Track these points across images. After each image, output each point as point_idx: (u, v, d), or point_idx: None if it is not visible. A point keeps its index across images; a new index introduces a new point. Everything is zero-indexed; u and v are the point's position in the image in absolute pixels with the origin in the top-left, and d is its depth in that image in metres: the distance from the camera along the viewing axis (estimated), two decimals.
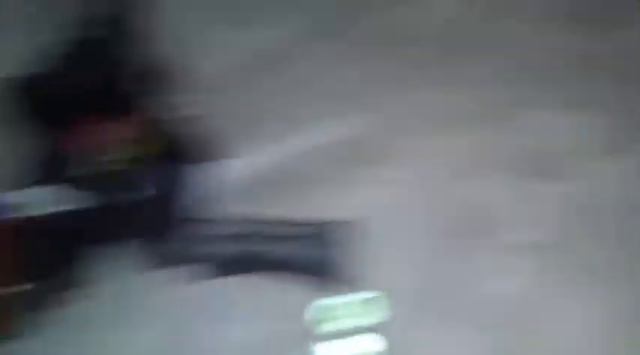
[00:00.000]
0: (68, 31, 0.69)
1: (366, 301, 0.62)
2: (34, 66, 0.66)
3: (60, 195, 0.61)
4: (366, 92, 0.80)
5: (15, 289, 0.40)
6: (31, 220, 0.59)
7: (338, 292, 0.62)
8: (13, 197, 0.60)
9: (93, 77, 0.65)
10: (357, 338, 0.62)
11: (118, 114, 0.64)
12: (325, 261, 0.61)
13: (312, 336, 0.63)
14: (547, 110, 0.79)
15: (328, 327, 0.62)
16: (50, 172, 0.63)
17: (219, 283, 0.65)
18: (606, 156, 0.76)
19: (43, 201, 0.61)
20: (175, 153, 0.65)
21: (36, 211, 0.60)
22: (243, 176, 0.69)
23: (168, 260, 0.63)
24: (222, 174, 0.67)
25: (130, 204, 0.62)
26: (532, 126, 0.78)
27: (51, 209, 0.60)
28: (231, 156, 0.72)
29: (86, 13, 0.70)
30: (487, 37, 0.85)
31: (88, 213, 0.61)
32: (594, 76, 0.82)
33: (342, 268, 0.62)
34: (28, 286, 0.41)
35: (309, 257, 0.60)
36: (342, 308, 0.62)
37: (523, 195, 0.73)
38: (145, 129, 0.64)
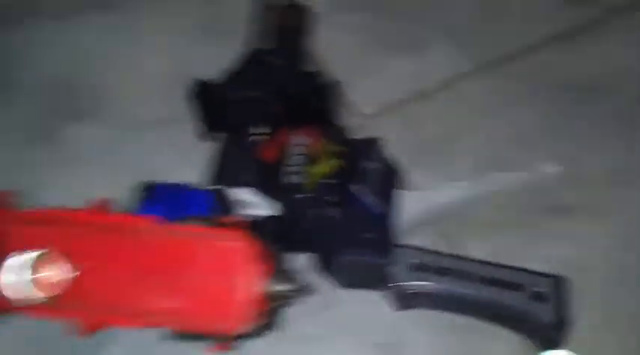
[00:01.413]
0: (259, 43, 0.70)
1: None
2: (223, 73, 0.67)
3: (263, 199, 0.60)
4: (551, 138, 0.73)
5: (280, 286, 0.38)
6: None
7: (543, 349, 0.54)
8: (235, 194, 0.59)
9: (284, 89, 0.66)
10: None
11: (311, 127, 0.63)
12: (548, 317, 0.56)
13: None
14: None
15: None
16: (252, 177, 0.62)
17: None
18: None
19: (253, 202, 0.60)
20: (359, 172, 0.62)
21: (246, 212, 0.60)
22: (424, 209, 0.64)
23: (363, 282, 0.60)
24: (406, 203, 0.63)
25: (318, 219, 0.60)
26: None
27: (257, 212, 0.60)
28: (410, 187, 0.67)
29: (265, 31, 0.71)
30: None
31: (280, 220, 0.60)
32: None
33: (557, 326, 0.56)
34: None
35: (530, 310, 0.55)
36: None
37: None
38: (332, 145, 0.62)
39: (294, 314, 0.60)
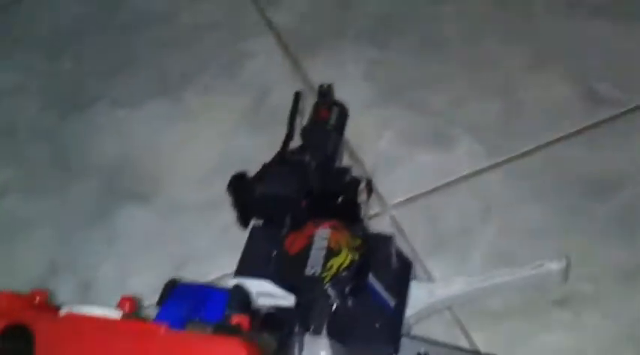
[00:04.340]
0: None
1: None
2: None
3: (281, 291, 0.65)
4: (560, 232, 0.76)
5: None
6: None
7: None
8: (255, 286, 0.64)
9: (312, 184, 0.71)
10: None
11: (336, 221, 0.68)
12: None
13: None
14: None
15: None
16: (274, 269, 0.66)
17: None
18: None
19: (272, 294, 0.65)
20: (374, 265, 0.66)
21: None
22: (433, 300, 0.67)
23: None
24: (416, 294, 0.67)
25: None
26: None
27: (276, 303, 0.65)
28: (423, 277, 0.73)
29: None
30: None
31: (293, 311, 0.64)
32: None
33: None
34: None
35: None
36: None
37: None
38: (354, 238, 0.66)
39: None
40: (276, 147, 0.75)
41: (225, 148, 0.88)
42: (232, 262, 0.69)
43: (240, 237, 0.72)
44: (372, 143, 0.86)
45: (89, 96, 0.97)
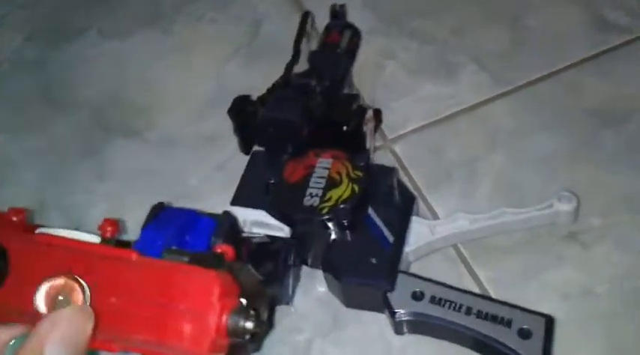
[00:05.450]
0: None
1: None
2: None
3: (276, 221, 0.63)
4: (570, 162, 0.72)
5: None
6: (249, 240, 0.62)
7: None
8: (249, 215, 0.63)
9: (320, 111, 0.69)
10: None
11: (339, 151, 0.66)
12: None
13: None
14: None
15: None
16: (271, 197, 0.65)
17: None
18: None
19: (266, 223, 0.64)
20: (375, 199, 0.64)
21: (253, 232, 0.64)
22: (434, 238, 0.65)
23: (366, 304, 0.63)
24: (417, 230, 0.65)
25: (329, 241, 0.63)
26: None
27: (269, 233, 0.63)
28: (425, 213, 0.70)
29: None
30: None
31: (290, 242, 0.63)
32: None
33: None
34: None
35: (517, 346, 0.56)
36: None
37: None
38: (355, 170, 0.64)
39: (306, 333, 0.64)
40: (272, 78, 0.72)
41: (219, 81, 0.84)
42: (225, 200, 0.67)
43: (234, 175, 0.69)
44: (373, 73, 0.82)
45: (76, 27, 0.92)
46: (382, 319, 0.63)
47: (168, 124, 0.81)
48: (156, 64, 0.87)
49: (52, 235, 0.44)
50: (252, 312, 0.40)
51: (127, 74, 0.86)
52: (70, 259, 0.42)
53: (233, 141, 0.72)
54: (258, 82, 0.72)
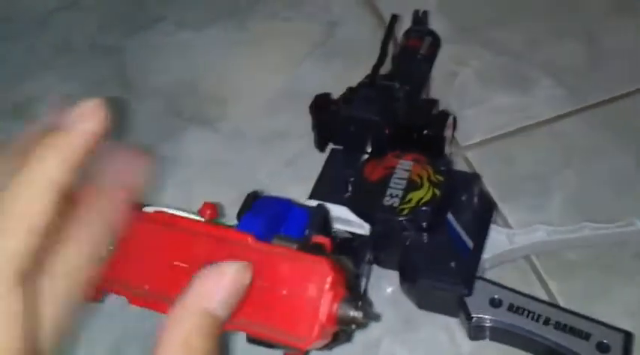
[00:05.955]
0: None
1: None
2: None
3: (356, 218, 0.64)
4: None
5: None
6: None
7: None
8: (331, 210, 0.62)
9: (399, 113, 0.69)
10: None
11: (419, 154, 0.66)
12: None
13: None
14: None
15: None
16: (351, 195, 0.65)
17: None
18: None
19: (346, 220, 0.64)
20: (455, 204, 0.65)
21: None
22: (511, 247, 0.65)
23: (441, 307, 0.63)
24: (494, 238, 0.65)
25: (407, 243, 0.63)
26: None
27: (350, 229, 0.64)
28: (499, 222, 0.70)
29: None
30: None
31: (369, 240, 0.64)
32: None
33: None
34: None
35: None
36: None
37: None
38: (436, 174, 0.64)
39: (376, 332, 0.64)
40: (345, 79, 0.72)
41: (291, 78, 0.85)
42: (293, 196, 0.65)
43: (303, 171, 0.70)
44: (446, 79, 0.83)
45: (150, 16, 0.94)
46: (453, 323, 0.63)
47: (239, 116, 0.82)
48: (230, 57, 0.88)
49: (169, 213, 0.44)
50: (359, 303, 0.41)
51: (201, 64, 0.87)
52: (188, 240, 0.42)
53: (303, 138, 0.73)
54: (330, 81, 0.73)
